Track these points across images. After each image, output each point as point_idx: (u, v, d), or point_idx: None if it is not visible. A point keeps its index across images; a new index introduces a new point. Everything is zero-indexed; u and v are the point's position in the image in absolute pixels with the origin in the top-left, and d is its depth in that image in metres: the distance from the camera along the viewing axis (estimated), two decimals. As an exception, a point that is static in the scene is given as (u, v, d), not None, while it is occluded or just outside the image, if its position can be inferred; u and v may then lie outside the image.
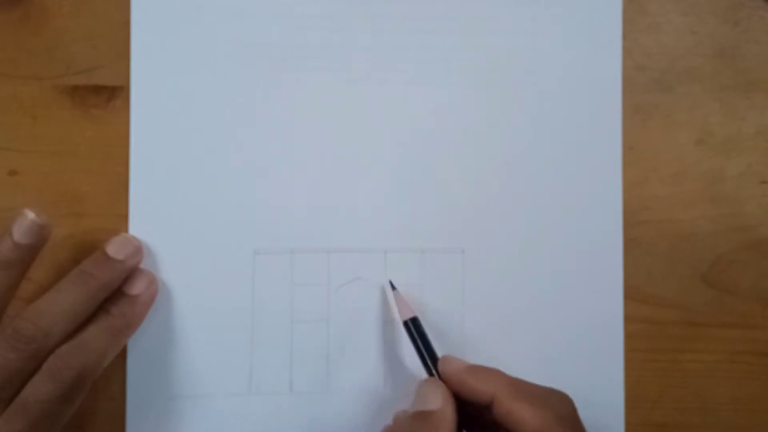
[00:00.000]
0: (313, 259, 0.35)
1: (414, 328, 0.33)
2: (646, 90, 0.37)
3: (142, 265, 0.34)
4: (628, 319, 0.36)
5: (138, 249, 0.33)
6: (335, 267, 0.35)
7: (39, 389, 0.29)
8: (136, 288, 0.33)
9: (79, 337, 0.31)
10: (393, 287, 0.34)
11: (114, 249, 0.32)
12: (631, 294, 0.36)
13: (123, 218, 0.34)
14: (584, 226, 0.36)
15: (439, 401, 0.30)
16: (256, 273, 0.35)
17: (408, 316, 0.33)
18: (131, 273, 0.33)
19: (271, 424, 0.35)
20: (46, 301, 0.31)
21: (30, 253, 0.31)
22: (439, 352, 0.33)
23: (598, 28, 0.36)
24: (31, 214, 0.30)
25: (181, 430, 0.34)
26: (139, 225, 0.34)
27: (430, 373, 0.32)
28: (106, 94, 0.35)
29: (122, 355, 0.34)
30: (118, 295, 0.33)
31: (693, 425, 0.36)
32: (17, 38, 0.35)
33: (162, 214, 0.35)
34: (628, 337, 0.36)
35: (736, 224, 0.37)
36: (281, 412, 0.35)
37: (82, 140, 0.35)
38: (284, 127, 0.35)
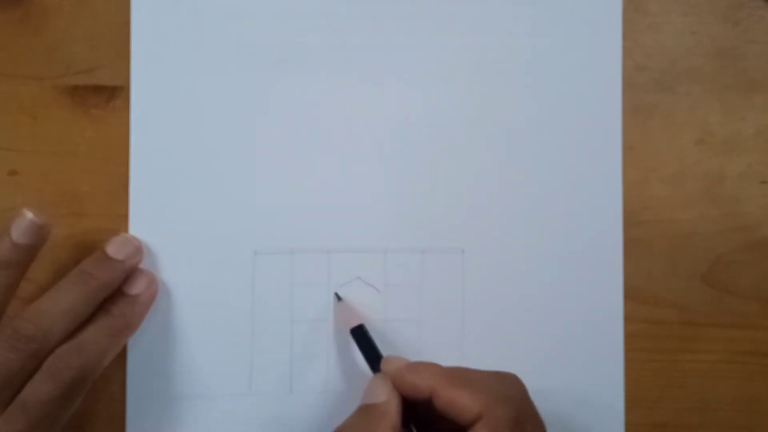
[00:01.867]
0: (313, 259, 0.35)
1: (360, 335, 0.33)
2: (646, 90, 0.37)
3: (142, 265, 0.34)
4: (628, 319, 0.36)
5: (138, 249, 0.33)
6: (335, 267, 0.35)
7: (39, 389, 0.29)
8: (136, 288, 0.33)
9: (79, 337, 0.31)
10: (339, 298, 0.35)
11: (114, 249, 0.32)
12: (631, 294, 0.36)
13: (123, 218, 0.34)
14: (584, 226, 0.36)
15: (384, 395, 0.30)
16: (256, 273, 0.35)
17: (354, 323, 0.34)
18: (131, 273, 0.33)
19: (271, 424, 0.35)
20: (46, 301, 0.31)
21: (29, 253, 0.31)
22: (439, 353, 0.33)
23: (598, 28, 0.36)
24: (29, 214, 0.31)
25: (181, 430, 0.34)
26: (139, 225, 0.34)
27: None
28: (106, 94, 0.35)
29: (122, 355, 0.34)
30: (118, 295, 0.33)
31: (693, 425, 0.36)
32: (17, 38, 0.35)
33: (162, 214, 0.35)
34: (628, 337, 0.36)
35: (736, 224, 0.37)
36: (281, 412, 0.35)
37: (82, 140, 0.35)
38: (284, 127, 0.35)
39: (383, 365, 0.32)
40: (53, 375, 0.29)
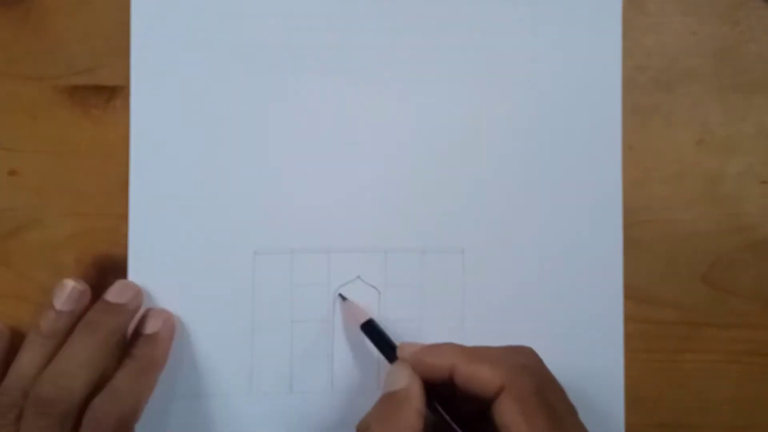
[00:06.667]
0: (313, 259, 0.35)
1: (370, 329, 0.33)
2: (646, 90, 0.37)
3: (143, 273, 0.34)
4: (628, 319, 0.36)
5: (138, 292, 0.33)
6: (335, 267, 0.35)
7: None
8: (153, 326, 0.33)
9: (110, 385, 0.31)
10: (343, 298, 0.35)
11: (114, 295, 0.33)
12: (631, 294, 0.36)
13: (123, 218, 0.34)
14: (584, 226, 0.36)
15: (404, 380, 0.30)
16: (256, 273, 0.35)
17: (363, 320, 0.34)
18: (146, 314, 0.33)
19: (271, 424, 0.35)
20: (61, 360, 0.31)
21: (71, 319, 0.32)
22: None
23: (598, 28, 0.36)
24: (71, 283, 0.32)
25: (181, 430, 0.34)
26: (139, 225, 0.34)
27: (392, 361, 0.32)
28: (106, 94, 0.35)
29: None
30: (138, 337, 0.33)
31: (693, 425, 0.36)
32: (17, 38, 0.35)
33: (162, 214, 0.35)
34: (628, 337, 0.36)
35: (736, 224, 0.37)
36: (281, 412, 0.35)
37: (82, 140, 0.35)
38: (284, 127, 0.35)
39: (399, 352, 0.32)
40: (94, 428, 0.30)
